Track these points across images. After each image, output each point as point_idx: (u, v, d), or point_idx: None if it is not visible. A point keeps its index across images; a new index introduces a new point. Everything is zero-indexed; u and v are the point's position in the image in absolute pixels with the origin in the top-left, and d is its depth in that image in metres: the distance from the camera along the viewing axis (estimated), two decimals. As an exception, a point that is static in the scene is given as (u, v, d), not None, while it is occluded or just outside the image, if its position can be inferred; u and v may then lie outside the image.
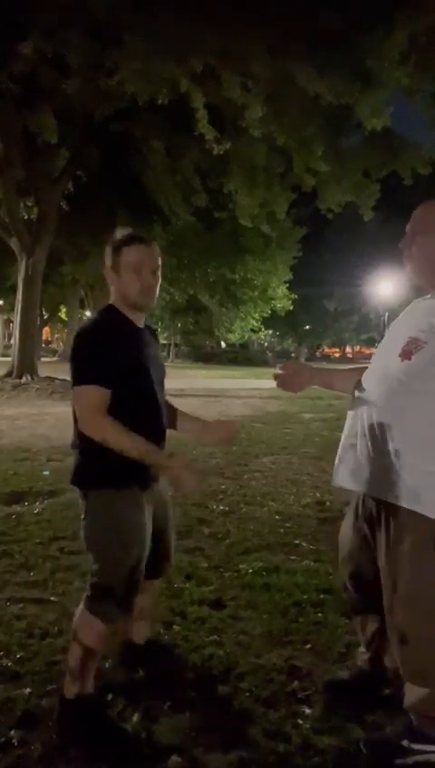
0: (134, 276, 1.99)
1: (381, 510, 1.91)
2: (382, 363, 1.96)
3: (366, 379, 2.01)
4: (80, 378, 1.92)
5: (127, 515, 1.97)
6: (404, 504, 1.81)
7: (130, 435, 1.89)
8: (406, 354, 1.84)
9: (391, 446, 1.84)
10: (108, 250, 2.04)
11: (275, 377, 2.16)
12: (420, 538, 1.81)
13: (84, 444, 1.97)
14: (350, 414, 2.01)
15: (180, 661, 2.41)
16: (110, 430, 1.89)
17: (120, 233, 2.06)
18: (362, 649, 2.24)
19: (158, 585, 2.39)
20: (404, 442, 1.82)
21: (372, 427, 1.88)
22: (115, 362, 1.92)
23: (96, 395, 1.90)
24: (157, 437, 2.03)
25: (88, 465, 2.01)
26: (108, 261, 2.04)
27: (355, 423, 1.96)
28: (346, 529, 2.14)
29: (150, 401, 2.06)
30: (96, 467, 1.98)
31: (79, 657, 1.99)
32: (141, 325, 2.09)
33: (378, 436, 1.87)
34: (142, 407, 2.02)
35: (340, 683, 2.25)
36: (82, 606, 2.03)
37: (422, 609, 1.84)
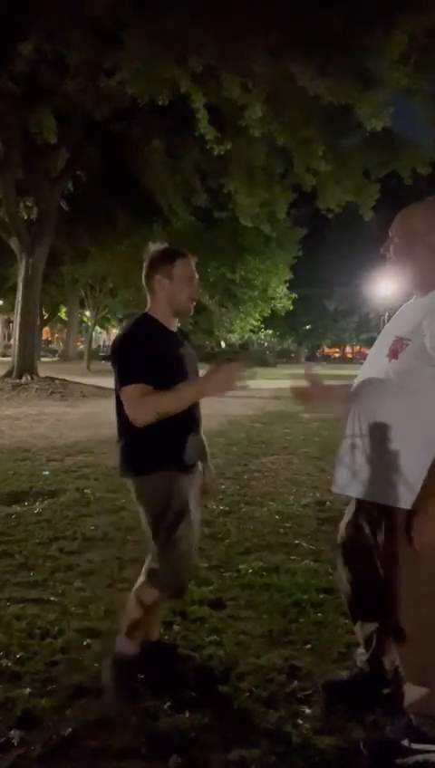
0: (186, 285, 2.23)
1: (381, 512, 1.90)
2: (373, 364, 1.98)
3: (359, 382, 2.02)
4: (128, 378, 2.09)
5: (177, 494, 2.13)
6: (403, 504, 1.81)
7: (169, 394, 2.07)
8: (393, 354, 1.87)
9: (385, 447, 1.85)
10: (158, 261, 2.22)
11: (294, 390, 2.21)
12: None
13: (127, 435, 2.18)
14: (345, 416, 2.02)
15: (180, 661, 2.40)
16: (156, 403, 2.05)
17: (157, 247, 2.27)
18: (360, 650, 2.24)
19: None
20: (398, 442, 1.82)
21: (366, 428, 1.90)
22: (155, 361, 2.11)
23: (140, 390, 2.07)
24: (193, 426, 2.25)
25: (134, 453, 2.19)
26: (160, 270, 2.21)
27: (351, 425, 1.96)
28: (346, 530, 2.13)
29: None
30: (142, 454, 2.17)
31: (138, 616, 2.20)
32: (175, 329, 2.30)
33: (372, 437, 1.88)
34: None
35: (339, 683, 2.25)
36: (142, 580, 2.19)
37: (423, 609, 1.84)
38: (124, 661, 2.21)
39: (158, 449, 2.15)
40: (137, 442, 2.17)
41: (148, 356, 2.12)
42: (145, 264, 2.28)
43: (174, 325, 2.30)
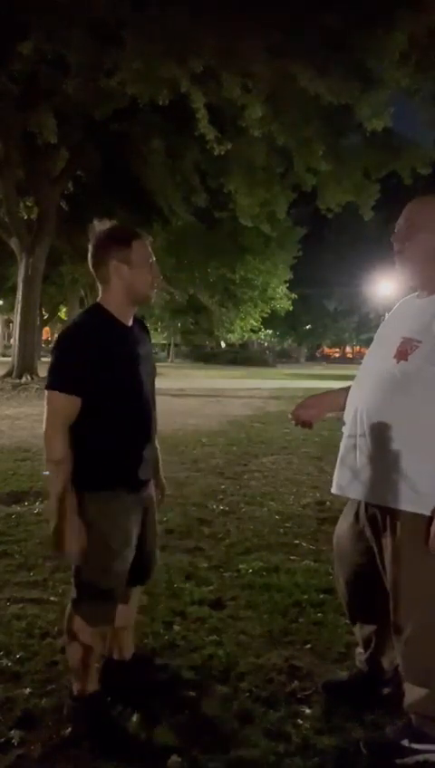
0: (146, 270, 1.98)
1: (384, 514, 1.89)
2: (377, 365, 1.93)
3: (361, 382, 1.99)
4: (50, 383, 1.90)
5: (114, 518, 1.95)
6: (406, 506, 1.80)
7: (62, 462, 1.87)
8: (401, 355, 1.83)
9: (389, 449, 1.83)
10: (112, 243, 1.95)
11: (292, 415, 2.18)
12: (423, 539, 1.80)
13: (75, 442, 1.94)
14: (347, 417, 2.00)
15: (159, 671, 2.35)
16: (54, 445, 1.88)
17: (103, 226, 1.99)
18: (359, 650, 2.24)
19: (139, 592, 2.32)
20: (402, 444, 1.81)
21: (369, 430, 1.87)
22: (93, 366, 1.88)
23: (61, 403, 1.88)
24: (143, 436, 2.04)
25: (74, 466, 1.95)
26: (115, 255, 1.94)
27: (354, 426, 1.94)
28: (344, 532, 2.12)
29: (136, 400, 2.02)
30: (83, 469, 1.93)
31: (77, 657, 2.00)
32: (130, 323, 2.03)
33: (375, 439, 1.86)
34: (127, 406, 1.99)
35: (339, 683, 2.25)
36: (69, 607, 2.02)
37: (426, 610, 1.84)
38: (90, 702, 2.02)
39: (111, 465, 1.92)
40: (85, 452, 1.90)
41: (84, 359, 1.87)
42: (92, 247, 1.97)
43: (130, 318, 2.02)
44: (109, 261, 1.95)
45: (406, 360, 1.81)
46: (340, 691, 2.21)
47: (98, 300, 2.01)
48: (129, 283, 1.95)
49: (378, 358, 1.95)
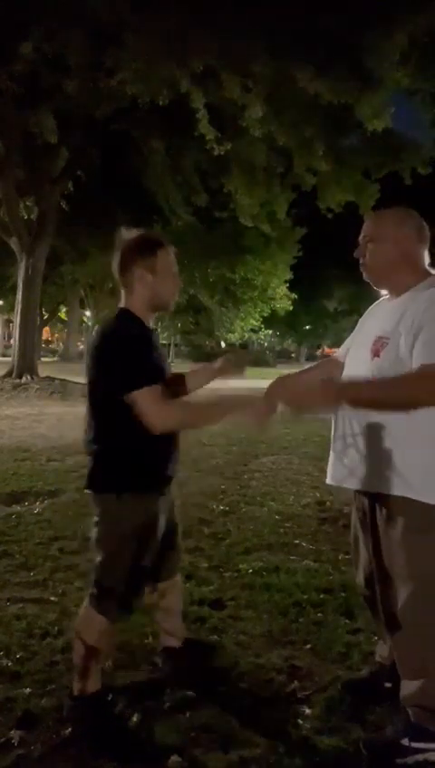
0: (171, 278, 2.04)
1: (374, 502, 1.96)
2: (357, 364, 2.04)
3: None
4: (138, 381, 1.86)
5: (146, 520, 1.99)
6: (395, 491, 1.86)
7: (199, 406, 1.98)
8: (375, 353, 1.94)
9: (376, 441, 1.91)
10: (138, 251, 1.99)
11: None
12: (411, 522, 1.85)
13: (103, 447, 1.98)
14: (335, 415, 2.08)
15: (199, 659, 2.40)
16: (185, 414, 1.98)
17: (130, 233, 2.04)
18: (380, 643, 2.25)
19: (180, 582, 2.40)
20: (387, 435, 1.88)
21: (356, 424, 1.96)
22: (151, 360, 1.95)
23: (154, 393, 1.86)
24: (176, 434, 2.09)
25: (108, 468, 1.99)
26: (140, 263, 1.98)
27: (342, 422, 2.03)
28: (353, 527, 2.17)
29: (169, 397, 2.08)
30: (116, 471, 1.97)
31: (82, 656, 2.01)
32: (151, 326, 2.10)
33: (363, 432, 1.94)
34: None
35: (359, 681, 2.24)
36: (86, 604, 2.04)
37: (420, 600, 1.85)
38: (90, 702, 2.04)
39: (151, 465, 1.97)
40: (119, 454, 1.94)
41: (146, 354, 1.93)
42: (119, 254, 2.02)
43: (151, 322, 2.09)
44: (133, 268, 1.99)
45: (379, 357, 1.92)
46: (362, 689, 2.20)
47: (122, 305, 2.04)
48: (152, 290, 2.00)
49: (357, 357, 2.06)
